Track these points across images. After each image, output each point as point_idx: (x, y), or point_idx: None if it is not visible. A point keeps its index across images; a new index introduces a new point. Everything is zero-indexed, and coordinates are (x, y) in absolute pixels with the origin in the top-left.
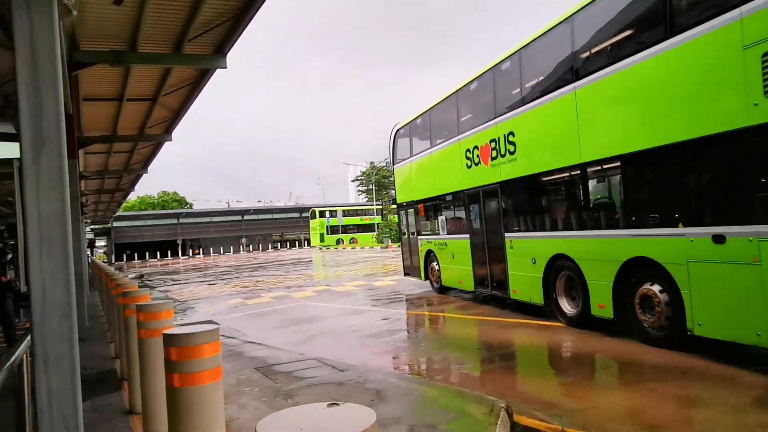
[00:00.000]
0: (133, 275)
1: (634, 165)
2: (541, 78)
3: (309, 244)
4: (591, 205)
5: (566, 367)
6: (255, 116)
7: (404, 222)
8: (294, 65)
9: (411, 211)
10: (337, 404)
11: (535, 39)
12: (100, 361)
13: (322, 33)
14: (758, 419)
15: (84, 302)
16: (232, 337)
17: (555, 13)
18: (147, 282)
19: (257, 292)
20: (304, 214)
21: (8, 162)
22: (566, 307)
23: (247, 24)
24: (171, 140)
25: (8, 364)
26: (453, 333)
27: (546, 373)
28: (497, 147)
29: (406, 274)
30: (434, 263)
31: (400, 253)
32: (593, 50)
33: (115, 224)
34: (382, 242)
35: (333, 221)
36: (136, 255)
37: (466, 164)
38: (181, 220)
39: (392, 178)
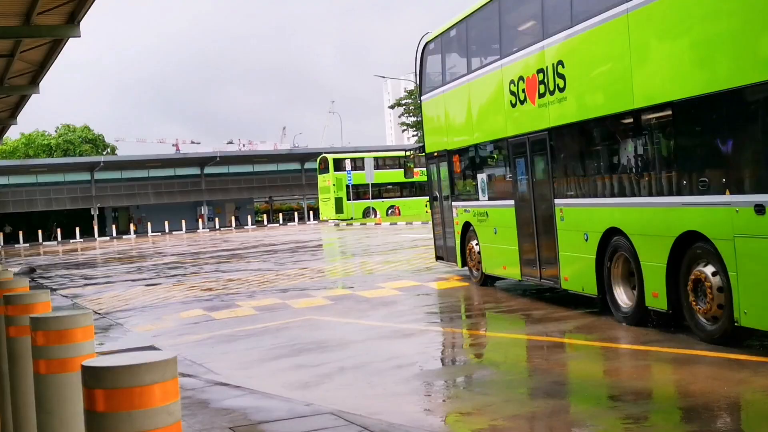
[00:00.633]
0: (18, 268)
1: (686, 115)
2: None
3: (317, 217)
4: (641, 166)
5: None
6: (222, 12)
7: (435, 180)
8: None
9: (444, 165)
10: None
11: None
12: None
13: None
14: None
15: None
16: (190, 375)
17: None
18: (42, 280)
19: (230, 298)
20: (309, 165)
21: None
22: (622, 298)
23: None
24: (38, 93)
25: None
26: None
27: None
28: (545, 80)
29: (438, 257)
30: (473, 242)
31: (431, 226)
32: None
33: None
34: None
35: (358, 177)
36: (21, 234)
37: (510, 101)
38: (98, 175)
39: (422, 117)
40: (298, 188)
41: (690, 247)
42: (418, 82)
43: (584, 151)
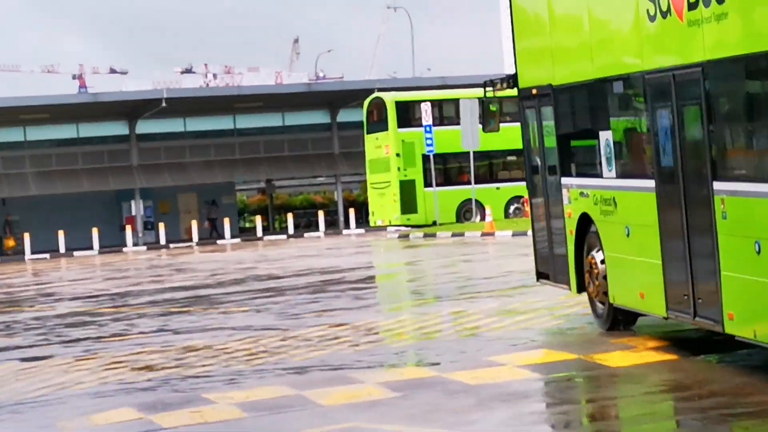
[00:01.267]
0: None
1: None
2: None
3: (364, 220)
4: None
5: None
6: None
7: (533, 140)
8: None
9: (548, 112)
10: None
11: None
12: None
13: None
14: None
15: None
16: None
17: None
18: None
19: (190, 385)
20: (347, 115)
21: None
22: None
23: None
24: None
25: None
26: None
27: None
28: None
29: (540, 275)
30: (597, 250)
31: (530, 222)
32: None
33: None
34: None
35: (446, 138)
36: None
37: (648, 11)
38: None
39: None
40: (324, 162)
41: None
42: None
43: (757, 104)
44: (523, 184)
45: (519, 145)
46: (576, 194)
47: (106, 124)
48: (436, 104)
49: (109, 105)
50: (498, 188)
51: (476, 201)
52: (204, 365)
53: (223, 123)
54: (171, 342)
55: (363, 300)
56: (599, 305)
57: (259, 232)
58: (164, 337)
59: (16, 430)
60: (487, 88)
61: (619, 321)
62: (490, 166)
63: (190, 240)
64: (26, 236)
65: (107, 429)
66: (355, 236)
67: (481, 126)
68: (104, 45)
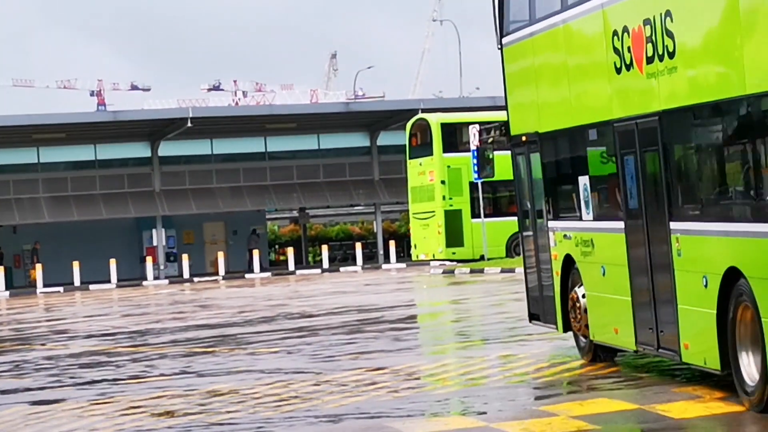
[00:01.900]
0: None
1: None
2: None
3: (406, 254)
4: (750, 178)
5: None
6: None
7: (524, 184)
8: None
9: (535, 158)
10: None
11: None
12: None
13: None
14: None
15: None
16: None
17: None
18: None
19: None
20: (387, 138)
21: None
22: (748, 370)
23: None
24: None
25: None
26: None
27: None
28: (653, 38)
29: (531, 316)
30: (579, 288)
31: (522, 266)
32: None
33: None
34: None
35: (498, 164)
36: None
37: (615, 63)
38: None
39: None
40: (363, 189)
41: None
42: (497, 14)
43: (703, 150)
44: None
45: None
46: (560, 237)
47: (127, 145)
48: (486, 127)
49: (130, 124)
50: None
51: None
52: (229, 411)
53: (253, 145)
54: (194, 385)
55: (403, 342)
56: (582, 339)
57: (291, 266)
58: (187, 380)
59: None
60: (483, 136)
61: (599, 356)
62: None
63: (216, 273)
64: (38, 267)
65: None
66: (396, 271)
67: (476, 173)
68: (125, 59)
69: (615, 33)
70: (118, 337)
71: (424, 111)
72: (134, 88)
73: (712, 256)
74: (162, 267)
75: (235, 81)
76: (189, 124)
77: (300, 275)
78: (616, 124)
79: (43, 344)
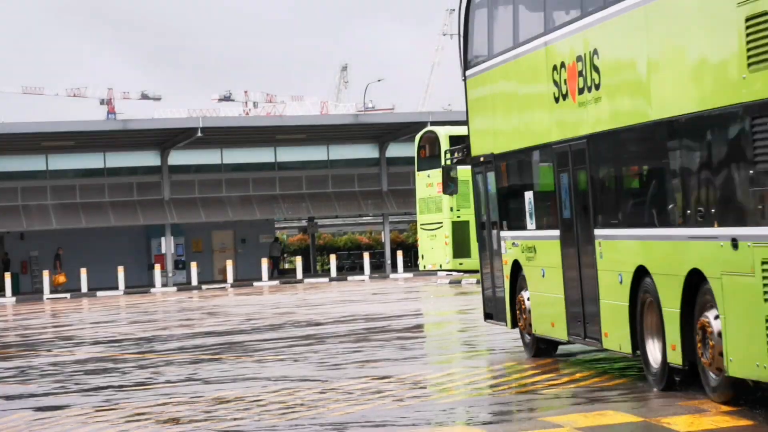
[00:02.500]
0: None
1: (692, 131)
2: None
3: (413, 264)
4: (660, 192)
5: None
6: None
7: (482, 199)
8: None
9: (491, 176)
10: None
11: None
12: None
13: None
14: None
15: None
16: None
17: None
18: None
19: None
20: (396, 149)
21: None
22: (653, 354)
23: None
24: None
25: None
26: None
27: None
28: (583, 72)
29: (487, 316)
30: (524, 291)
31: (480, 272)
32: None
33: None
34: None
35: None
36: None
37: (554, 94)
38: None
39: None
40: (371, 200)
41: (699, 289)
42: (460, 53)
43: (617, 168)
44: None
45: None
46: (510, 245)
47: (136, 153)
48: None
49: (140, 133)
50: None
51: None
52: (235, 419)
53: (263, 155)
54: (200, 392)
55: (409, 351)
56: (527, 336)
57: (299, 274)
58: (193, 387)
59: None
60: (447, 156)
61: (542, 349)
62: None
63: (225, 281)
64: (45, 274)
65: None
66: (403, 281)
67: (441, 191)
68: (136, 68)
69: (554, 68)
70: (125, 344)
71: (433, 124)
72: (144, 97)
73: (626, 257)
74: (170, 274)
75: (246, 92)
76: (199, 134)
77: (308, 284)
78: (554, 146)
79: (48, 350)
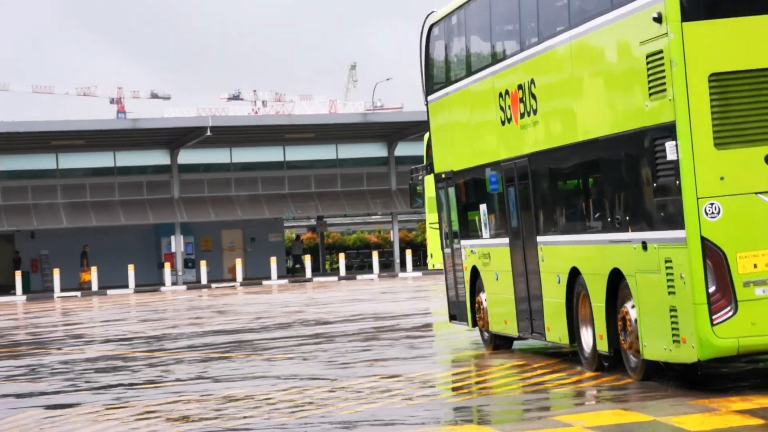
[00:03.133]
0: None
1: (608, 151)
2: (558, 9)
3: (422, 263)
4: (586, 203)
5: None
6: None
7: (444, 211)
8: None
9: (452, 190)
10: None
11: None
12: None
13: None
14: None
15: None
16: None
17: None
18: None
19: None
20: (405, 149)
21: None
22: (586, 342)
23: None
24: None
25: None
26: None
27: None
28: (524, 99)
29: (451, 317)
30: (482, 293)
31: (444, 278)
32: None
33: None
34: None
35: None
36: None
37: (500, 118)
38: None
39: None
40: (380, 198)
41: (620, 285)
42: (423, 79)
43: (553, 183)
44: None
45: None
46: (469, 252)
47: (146, 152)
48: None
49: (150, 132)
50: None
51: None
52: (245, 417)
53: (272, 154)
54: (210, 391)
55: (419, 349)
56: (485, 334)
57: (308, 273)
58: (203, 385)
59: None
60: (413, 174)
61: (499, 345)
62: None
63: (234, 280)
64: (56, 272)
65: None
66: (412, 280)
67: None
68: (146, 67)
69: (500, 95)
70: (135, 342)
71: None
72: (154, 96)
73: (562, 260)
74: (180, 273)
75: (255, 91)
76: (208, 133)
77: (316, 282)
78: (502, 163)
79: (59, 348)
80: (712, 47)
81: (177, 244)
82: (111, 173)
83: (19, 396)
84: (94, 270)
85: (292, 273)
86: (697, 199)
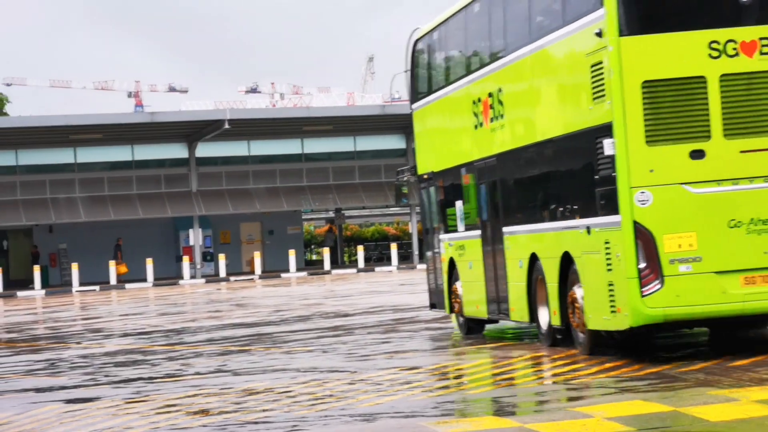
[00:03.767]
0: None
1: (561, 148)
2: (517, 26)
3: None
4: (544, 194)
5: None
6: None
7: (426, 209)
8: None
9: (433, 189)
10: None
11: None
12: None
13: None
14: None
15: None
16: None
17: None
18: None
19: None
20: None
21: None
22: (543, 320)
23: None
24: None
25: None
26: None
27: None
28: (493, 105)
29: (431, 305)
30: (458, 282)
31: (426, 270)
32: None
33: None
34: None
35: None
36: None
37: (474, 123)
38: None
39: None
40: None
41: (570, 267)
42: (409, 88)
43: (516, 178)
44: None
45: None
46: (447, 245)
47: (164, 146)
48: None
49: (167, 126)
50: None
51: None
52: (264, 410)
53: (290, 147)
54: (229, 384)
55: (438, 341)
56: (460, 318)
57: (327, 266)
58: (222, 379)
59: None
60: (398, 176)
61: (472, 328)
62: None
63: (252, 272)
64: (74, 266)
65: None
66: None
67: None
68: (163, 61)
69: (474, 102)
70: (154, 336)
71: None
72: (172, 89)
73: (523, 247)
74: (198, 266)
75: (272, 83)
76: (226, 126)
77: (335, 275)
78: (475, 163)
79: (78, 342)
80: (644, 58)
81: (195, 237)
82: (129, 167)
83: (39, 390)
84: (112, 264)
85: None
86: (630, 188)
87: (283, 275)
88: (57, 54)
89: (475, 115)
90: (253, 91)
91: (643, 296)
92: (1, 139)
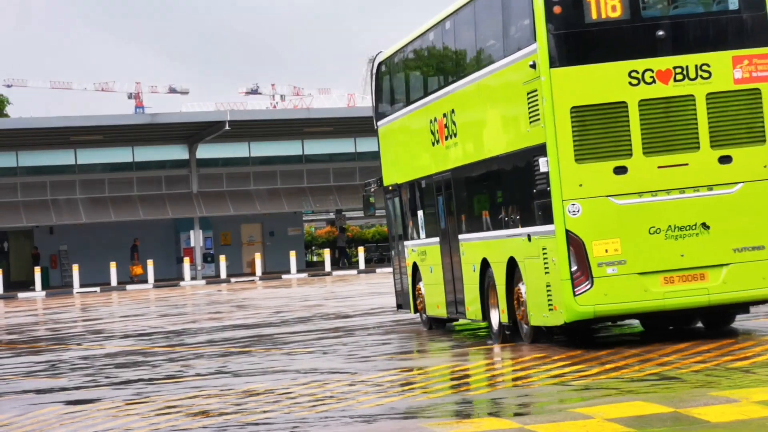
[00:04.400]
0: None
1: (504, 166)
2: (470, 51)
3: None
4: (492, 205)
5: None
6: None
7: (392, 217)
8: None
9: (397, 200)
10: None
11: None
12: None
13: None
14: None
15: None
16: None
17: None
18: None
19: None
20: None
21: None
22: (494, 319)
23: None
24: None
25: None
26: None
27: None
28: (447, 124)
29: (398, 306)
30: (420, 283)
31: (392, 274)
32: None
33: None
34: None
35: None
36: None
37: (431, 140)
38: None
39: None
40: None
41: (515, 270)
42: (372, 107)
43: (468, 191)
44: None
45: None
46: (410, 251)
47: (164, 147)
48: None
49: (168, 127)
50: None
51: None
52: (265, 411)
53: (291, 148)
54: (230, 385)
55: (439, 342)
56: (423, 316)
57: (328, 267)
58: (223, 380)
59: None
60: (366, 187)
61: (434, 326)
62: None
63: (253, 274)
64: (75, 268)
65: None
66: None
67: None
68: (164, 62)
69: (431, 121)
70: (154, 337)
71: None
72: (172, 91)
73: (476, 253)
74: (199, 267)
75: (273, 85)
76: (227, 128)
77: (336, 276)
78: (434, 176)
79: (79, 344)
80: (572, 86)
81: (196, 238)
82: (129, 168)
83: (39, 392)
84: (113, 265)
85: (337, 266)
86: (563, 200)
87: (283, 276)
88: (57, 55)
89: (432, 133)
90: (254, 92)
91: (575, 295)
92: (1, 141)
